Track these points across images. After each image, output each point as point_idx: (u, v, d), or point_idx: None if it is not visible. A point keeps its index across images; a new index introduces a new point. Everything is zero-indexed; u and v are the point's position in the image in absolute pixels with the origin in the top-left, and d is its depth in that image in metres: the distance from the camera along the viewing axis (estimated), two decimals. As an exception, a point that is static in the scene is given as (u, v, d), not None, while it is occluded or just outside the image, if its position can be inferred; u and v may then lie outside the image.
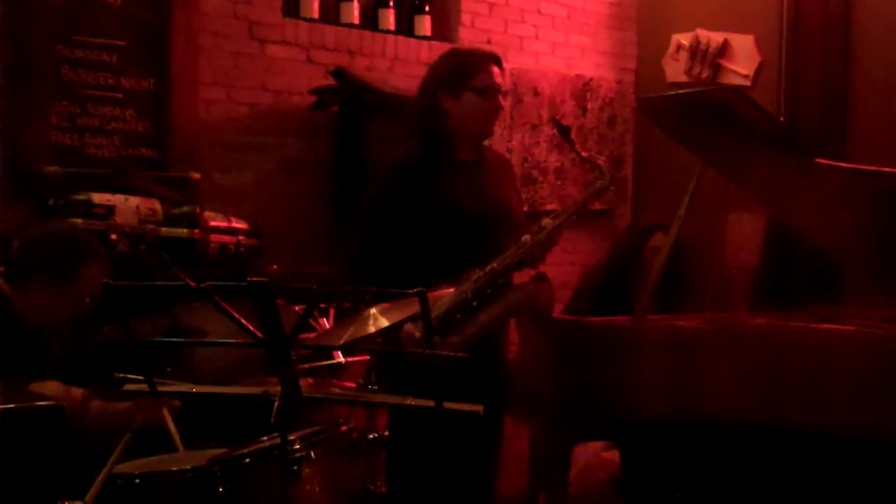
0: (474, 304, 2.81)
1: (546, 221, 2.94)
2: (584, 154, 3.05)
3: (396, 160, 3.01)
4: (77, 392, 2.74)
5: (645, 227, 4.18)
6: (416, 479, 2.93)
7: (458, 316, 2.78)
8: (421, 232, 2.91)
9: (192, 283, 2.32)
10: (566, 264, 5.34)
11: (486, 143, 3.18)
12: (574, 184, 5.27)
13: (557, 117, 3.09)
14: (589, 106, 5.42)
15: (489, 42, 4.96)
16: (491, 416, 2.57)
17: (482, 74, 2.99)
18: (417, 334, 2.71)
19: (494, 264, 2.84)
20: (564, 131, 3.01)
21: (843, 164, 3.24)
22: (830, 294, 4.12)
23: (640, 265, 4.05)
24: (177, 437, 2.79)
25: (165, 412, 2.77)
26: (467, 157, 3.04)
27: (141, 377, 2.36)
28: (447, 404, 2.11)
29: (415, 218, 2.91)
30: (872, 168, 3.23)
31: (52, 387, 2.71)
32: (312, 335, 3.43)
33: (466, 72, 2.99)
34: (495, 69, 3.02)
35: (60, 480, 2.51)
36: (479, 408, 2.15)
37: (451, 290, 2.77)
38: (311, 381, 3.27)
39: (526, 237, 2.90)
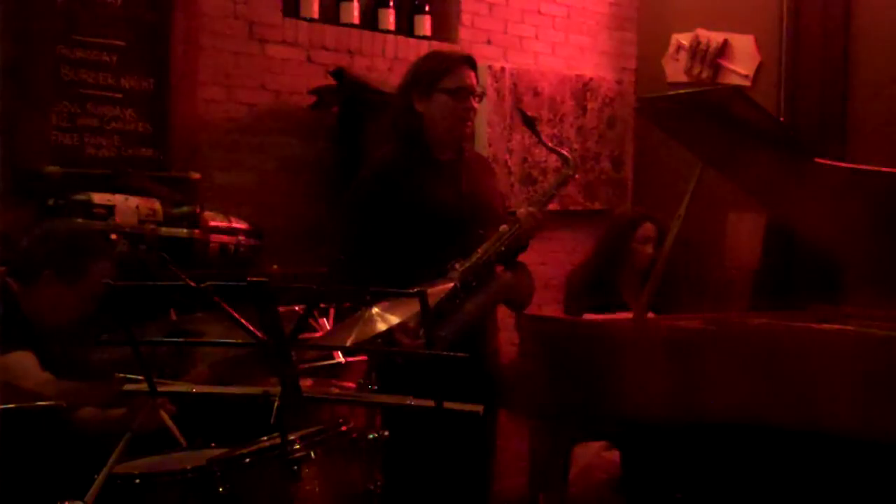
0: (462, 295, 2.84)
1: (522, 210, 2.99)
2: (549, 144, 3.14)
3: (375, 162, 3.08)
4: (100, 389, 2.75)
5: (633, 218, 4.17)
6: (410, 479, 2.93)
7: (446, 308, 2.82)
8: (401, 231, 2.95)
9: (192, 284, 2.32)
10: (566, 264, 5.33)
11: (478, 143, 3.22)
12: (573, 183, 5.25)
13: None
14: (589, 106, 5.42)
15: (489, 42, 4.96)
16: (484, 416, 2.57)
17: (453, 76, 3.02)
18: (411, 324, 2.72)
19: (477, 254, 2.88)
20: (529, 122, 3.07)
21: (843, 164, 3.24)
22: (830, 294, 4.12)
23: (629, 257, 4.06)
24: (178, 433, 2.79)
25: (163, 413, 2.77)
26: (445, 156, 3.08)
27: (141, 377, 2.36)
28: (447, 404, 2.11)
29: (394, 218, 2.96)
30: (872, 168, 3.23)
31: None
32: (312, 335, 3.43)
33: (438, 73, 3.03)
34: (468, 71, 3.05)
35: (60, 480, 2.52)
36: (480, 408, 2.16)
37: (448, 286, 2.79)
38: (310, 381, 3.27)
39: (504, 227, 2.95)
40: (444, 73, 3.02)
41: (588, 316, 3.66)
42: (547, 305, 4.66)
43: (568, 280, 4.22)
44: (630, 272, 4.05)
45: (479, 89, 3.10)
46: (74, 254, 2.87)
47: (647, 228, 4.08)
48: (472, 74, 3.07)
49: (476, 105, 3.09)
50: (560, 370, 3.19)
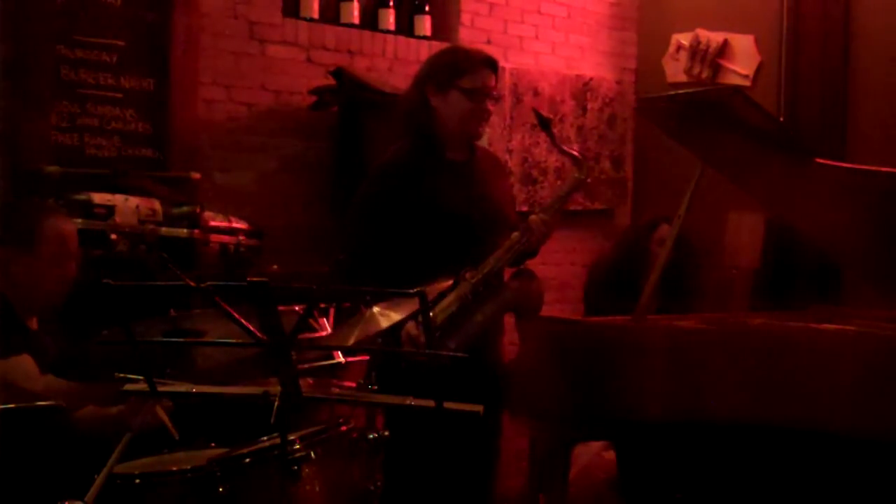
0: (472, 305, 2.82)
1: (534, 217, 2.95)
2: (563, 147, 3.06)
3: (386, 160, 3.02)
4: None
5: (650, 220, 4.19)
6: (412, 479, 2.93)
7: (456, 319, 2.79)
8: (410, 232, 2.91)
9: (192, 284, 2.32)
10: (566, 264, 5.35)
11: (482, 142, 3.18)
12: (574, 184, 5.27)
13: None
14: (589, 106, 5.42)
15: (489, 42, 4.96)
16: (489, 416, 2.57)
17: (473, 75, 2.96)
18: (422, 339, 2.71)
19: (488, 264, 2.84)
20: (545, 123, 2.99)
21: (843, 164, 3.24)
22: (831, 294, 4.12)
23: (647, 258, 4.07)
24: (171, 426, 2.78)
25: (159, 409, 2.76)
26: (457, 156, 3.04)
27: (141, 377, 2.36)
28: (447, 404, 2.11)
29: (404, 218, 2.91)
30: (872, 168, 3.23)
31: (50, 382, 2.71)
32: (312, 335, 3.43)
33: (457, 70, 2.97)
34: (488, 73, 2.99)
35: (60, 480, 2.52)
36: (480, 408, 2.16)
37: (447, 283, 2.78)
38: (311, 381, 3.27)
39: (515, 234, 2.91)
40: (463, 72, 2.96)
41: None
42: (547, 306, 4.64)
43: (587, 281, 4.23)
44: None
45: (496, 92, 3.05)
46: (17, 219, 2.82)
47: (665, 230, 4.08)
48: (492, 77, 3.00)
49: (492, 108, 3.03)
50: (561, 371, 3.19)
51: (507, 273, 3.02)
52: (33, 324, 2.89)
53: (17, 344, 2.74)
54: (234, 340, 2.38)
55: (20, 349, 2.74)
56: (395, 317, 2.54)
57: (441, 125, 2.98)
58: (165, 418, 2.77)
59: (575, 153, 3.09)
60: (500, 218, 3.04)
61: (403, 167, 2.96)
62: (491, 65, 3.02)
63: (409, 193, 2.93)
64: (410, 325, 2.75)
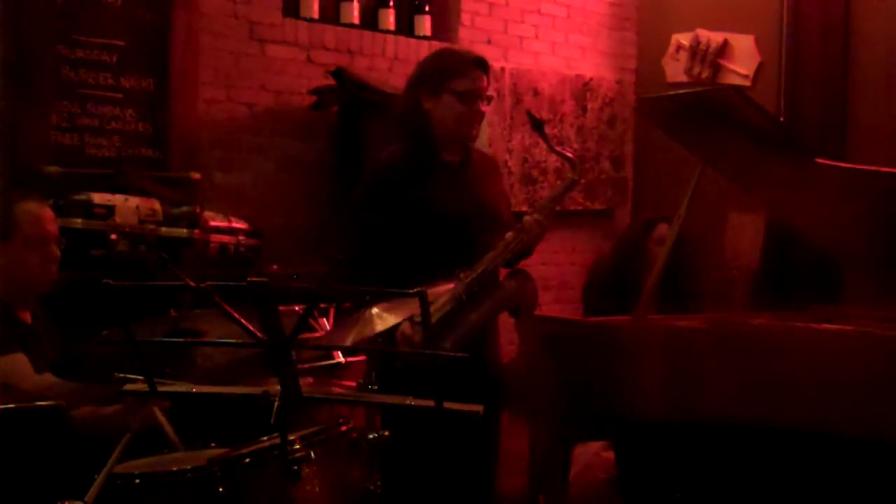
0: (467, 306, 2.82)
1: (528, 218, 2.95)
2: (557, 148, 3.06)
3: (381, 162, 3.03)
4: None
5: (648, 220, 4.20)
6: (412, 479, 2.93)
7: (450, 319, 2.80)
8: (406, 233, 2.92)
9: (192, 284, 2.32)
10: (566, 264, 5.35)
11: (478, 143, 3.18)
12: (574, 184, 5.27)
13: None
14: (589, 106, 5.42)
15: (489, 42, 4.96)
16: (488, 416, 2.57)
17: (464, 78, 2.96)
18: (416, 339, 2.72)
19: (483, 264, 2.85)
20: (538, 125, 3.00)
21: (843, 164, 3.24)
22: (831, 294, 4.12)
23: (645, 258, 4.08)
24: (173, 435, 2.78)
25: (156, 410, 2.76)
26: (452, 158, 3.04)
27: (141, 377, 2.36)
28: (447, 404, 2.11)
29: (399, 220, 2.92)
30: (872, 168, 3.23)
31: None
32: (312, 335, 3.43)
33: (449, 73, 2.97)
34: (480, 74, 2.99)
35: (60, 480, 2.51)
36: (480, 408, 2.15)
37: (448, 286, 2.78)
38: (311, 381, 3.27)
39: (509, 234, 2.91)
40: (454, 74, 2.96)
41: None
42: (547, 306, 4.66)
43: (586, 281, 4.24)
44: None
45: (489, 93, 3.05)
46: None
47: (663, 230, 4.09)
48: (484, 78, 3.00)
49: (484, 109, 3.04)
50: (560, 371, 3.19)
51: (502, 273, 3.02)
52: (26, 317, 2.89)
53: (11, 340, 2.74)
54: (234, 340, 2.38)
55: (14, 347, 2.74)
56: (394, 317, 2.54)
57: (435, 128, 2.99)
58: (165, 422, 2.77)
59: (568, 154, 3.10)
60: (495, 218, 3.05)
61: (398, 169, 2.98)
62: (482, 66, 3.02)
63: (405, 195, 2.94)
64: (405, 326, 2.75)
